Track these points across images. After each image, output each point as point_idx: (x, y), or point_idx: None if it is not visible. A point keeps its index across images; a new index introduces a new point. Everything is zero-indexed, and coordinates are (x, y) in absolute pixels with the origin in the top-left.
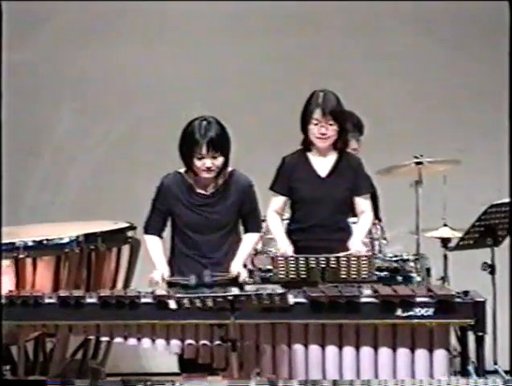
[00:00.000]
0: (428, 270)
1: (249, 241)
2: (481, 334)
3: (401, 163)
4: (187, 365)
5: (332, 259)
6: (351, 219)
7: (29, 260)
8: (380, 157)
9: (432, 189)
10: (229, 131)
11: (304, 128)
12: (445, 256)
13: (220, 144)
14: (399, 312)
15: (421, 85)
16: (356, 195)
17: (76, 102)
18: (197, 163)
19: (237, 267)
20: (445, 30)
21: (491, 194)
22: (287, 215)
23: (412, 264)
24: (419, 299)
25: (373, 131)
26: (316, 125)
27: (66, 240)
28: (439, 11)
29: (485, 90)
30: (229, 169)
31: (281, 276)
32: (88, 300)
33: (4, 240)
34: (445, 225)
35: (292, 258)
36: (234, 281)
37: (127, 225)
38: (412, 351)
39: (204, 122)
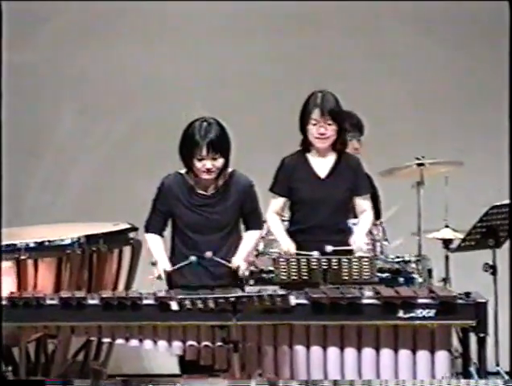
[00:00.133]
0: (430, 271)
1: (250, 238)
2: (482, 335)
3: (402, 165)
4: (188, 367)
5: (334, 260)
6: (352, 221)
7: (30, 262)
8: (380, 157)
9: (434, 190)
10: (228, 131)
11: (303, 128)
12: (447, 258)
13: (221, 145)
14: (401, 313)
15: (421, 85)
16: (356, 196)
17: (76, 102)
18: (197, 164)
19: (237, 261)
20: (445, 30)
21: (493, 195)
22: (287, 216)
23: (414, 265)
24: (420, 300)
25: (373, 131)
26: (315, 125)
27: (68, 242)
28: (439, 11)
29: (486, 90)
30: (230, 169)
31: (282, 277)
32: (90, 301)
33: (5, 242)
34: (447, 226)
35: (294, 259)
36: (233, 278)
37: (129, 226)
38: (414, 352)
39: (205, 123)
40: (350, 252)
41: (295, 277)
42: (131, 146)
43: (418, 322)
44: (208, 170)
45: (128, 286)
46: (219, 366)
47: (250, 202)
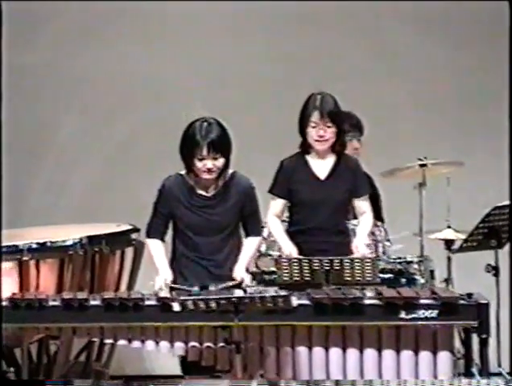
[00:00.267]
0: (432, 272)
1: (250, 245)
2: (484, 336)
3: (404, 165)
4: (190, 367)
5: (336, 261)
6: (352, 222)
7: (33, 263)
8: (380, 157)
9: (436, 191)
10: (229, 132)
11: (302, 131)
12: (449, 258)
13: (221, 145)
14: (403, 314)
15: (421, 85)
16: (355, 197)
17: (77, 103)
18: (198, 164)
19: (240, 272)
20: (445, 30)
21: (494, 195)
22: (285, 216)
23: (416, 266)
24: (422, 301)
25: (373, 131)
26: (314, 127)
27: (70, 243)
28: (439, 11)
29: (486, 90)
30: (230, 171)
31: (285, 278)
32: (92, 302)
33: (8, 243)
34: (449, 227)
35: (296, 260)
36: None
37: (131, 227)
38: (416, 353)
39: (205, 123)
40: None
41: (298, 278)
42: (133, 147)
43: (420, 322)
44: (209, 170)
45: (130, 287)
46: (221, 367)
47: (250, 204)
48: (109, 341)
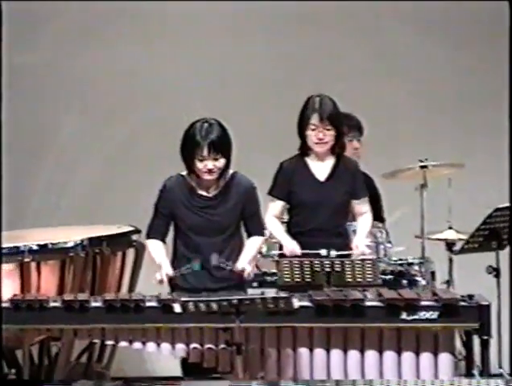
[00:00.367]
0: (433, 274)
1: (253, 244)
2: (485, 337)
3: (405, 167)
4: (191, 369)
5: (337, 263)
6: (354, 224)
7: (34, 264)
8: (380, 158)
9: (437, 192)
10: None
11: (301, 133)
12: (450, 260)
13: (222, 145)
14: (404, 316)
15: (421, 86)
16: (354, 199)
17: (78, 103)
18: (199, 165)
19: (242, 263)
20: (445, 30)
21: (496, 197)
22: (286, 218)
23: (417, 267)
24: (423, 303)
25: (373, 132)
26: (314, 130)
27: (71, 244)
28: (439, 11)
29: (486, 90)
30: (231, 171)
31: (286, 279)
32: (93, 304)
33: (9, 244)
34: (450, 228)
35: (297, 262)
36: (236, 281)
37: (132, 229)
38: (417, 354)
39: (206, 124)
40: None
41: (299, 280)
42: (133, 147)
43: (421, 324)
44: (210, 171)
45: (131, 289)
46: (222, 368)
47: (251, 204)
48: (110, 342)
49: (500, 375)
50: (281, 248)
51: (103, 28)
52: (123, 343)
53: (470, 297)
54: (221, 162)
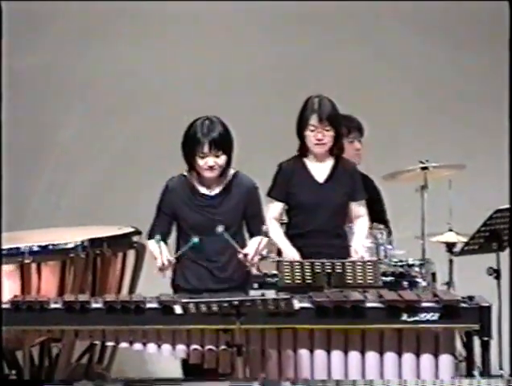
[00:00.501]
0: (434, 275)
1: (257, 240)
2: (486, 339)
3: (406, 168)
4: (192, 370)
5: (338, 264)
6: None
7: (34, 265)
8: (381, 160)
9: (437, 194)
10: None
11: (300, 134)
12: (450, 261)
13: (223, 142)
14: (405, 317)
15: (421, 87)
16: (352, 200)
17: (79, 105)
18: (200, 162)
19: (247, 250)
20: (445, 30)
21: (496, 198)
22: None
23: (417, 269)
24: (424, 304)
25: (374, 133)
26: (313, 131)
27: (71, 245)
28: (439, 11)
29: (486, 91)
30: (233, 171)
31: (286, 281)
32: (94, 305)
33: (9, 245)
34: (450, 230)
35: (298, 263)
36: (238, 281)
37: (132, 230)
38: (418, 355)
39: (207, 121)
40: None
41: (299, 281)
42: (134, 149)
43: (421, 325)
44: (211, 168)
45: (132, 290)
46: (223, 369)
47: (254, 204)
48: (110, 343)
49: (500, 377)
50: (279, 252)
51: (103, 28)
52: (124, 344)
53: (470, 298)
54: (222, 158)
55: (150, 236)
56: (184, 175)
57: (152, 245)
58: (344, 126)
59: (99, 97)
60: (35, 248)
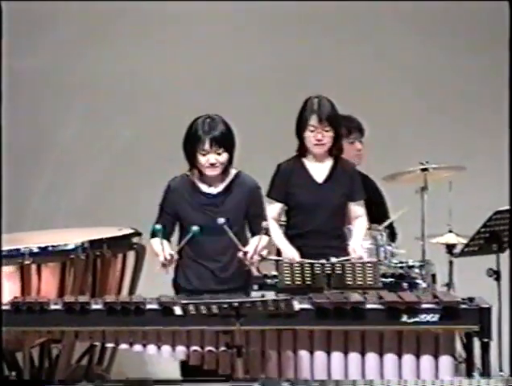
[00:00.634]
0: (434, 276)
1: (258, 239)
2: (486, 340)
3: (406, 170)
4: (192, 371)
5: (338, 265)
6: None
7: (34, 267)
8: (381, 162)
9: (437, 195)
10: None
11: (300, 134)
12: (450, 263)
13: (224, 140)
14: (405, 318)
15: (421, 88)
16: (351, 201)
17: (79, 106)
18: (201, 160)
19: (247, 248)
20: (445, 30)
21: (496, 200)
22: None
23: (417, 270)
24: (424, 305)
25: (374, 135)
26: (313, 131)
27: (71, 247)
28: (439, 11)
29: (486, 92)
30: (236, 170)
31: (286, 282)
32: (94, 306)
33: (9, 246)
34: (450, 231)
35: (298, 264)
36: (241, 282)
37: (132, 231)
38: (418, 357)
39: (209, 119)
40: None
41: (299, 282)
42: (134, 150)
43: (421, 326)
44: (212, 165)
45: (132, 291)
46: (222, 371)
47: (256, 204)
48: (110, 345)
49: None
50: (278, 253)
51: (103, 28)
52: (124, 346)
53: (470, 299)
54: (224, 156)
55: (153, 235)
56: (187, 175)
57: (155, 243)
58: (344, 127)
59: (99, 97)
60: (35, 250)
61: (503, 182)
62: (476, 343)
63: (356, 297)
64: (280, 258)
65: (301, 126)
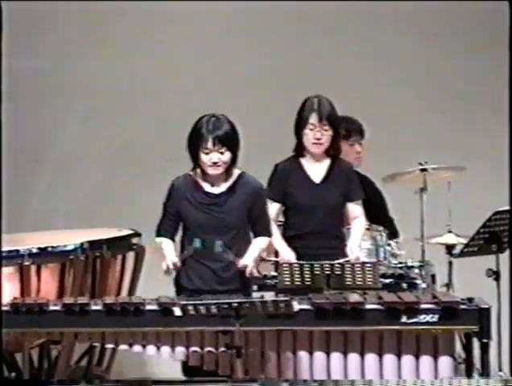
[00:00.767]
0: (433, 277)
1: (259, 243)
2: (485, 340)
3: (405, 170)
4: (192, 372)
5: (337, 266)
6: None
7: (34, 268)
8: (381, 162)
9: (437, 195)
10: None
11: (298, 133)
12: (450, 263)
13: (227, 139)
14: (404, 319)
15: (421, 89)
16: (349, 201)
17: (79, 106)
18: (204, 158)
19: (246, 260)
20: (445, 31)
21: (495, 200)
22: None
23: (417, 270)
24: (423, 306)
25: (374, 136)
26: (312, 130)
27: (71, 247)
28: (439, 12)
29: (486, 93)
30: (239, 171)
31: (286, 282)
32: (93, 307)
33: (9, 247)
34: (450, 232)
35: (297, 265)
36: (241, 283)
37: (132, 232)
38: (417, 357)
39: (213, 118)
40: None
41: (299, 283)
42: (134, 151)
43: (421, 327)
44: (215, 164)
45: (131, 292)
46: (222, 371)
47: (259, 205)
48: (110, 346)
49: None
50: (277, 253)
51: (103, 29)
52: (123, 347)
53: (470, 300)
54: (227, 155)
55: (158, 235)
56: (190, 174)
57: (161, 244)
58: (344, 129)
59: (99, 97)
60: (35, 251)
61: (503, 182)
62: (476, 344)
63: (355, 297)
64: (279, 260)
65: (300, 125)
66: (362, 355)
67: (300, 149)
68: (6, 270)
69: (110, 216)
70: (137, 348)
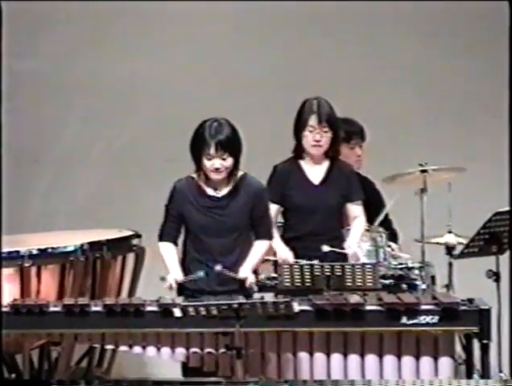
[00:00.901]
0: (433, 278)
1: (259, 248)
2: (485, 341)
3: (405, 171)
4: (192, 373)
5: (337, 267)
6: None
7: (34, 269)
8: (381, 163)
9: (437, 196)
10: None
11: (298, 135)
12: (450, 264)
13: (230, 145)
14: (404, 320)
15: (421, 90)
16: (348, 202)
17: (79, 107)
18: (206, 164)
19: (245, 272)
20: (445, 31)
21: (495, 201)
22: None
23: (417, 271)
24: (423, 307)
25: (374, 137)
26: (311, 132)
27: (71, 249)
28: (439, 12)
29: (486, 93)
30: (241, 172)
31: (286, 283)
32: (93, 308)
33: (9, 249)
34: (450, 232)
35: (297, 266)
36: (241, 286)
37: (132, 233)
38: (417, 358)
39: (215, 123)
40: (345, 255)
41: (299, 284)
42: (135, 152)
43: (421, 328)
44: (217, 170)
45: (131, 293)
46: (222, 372)
47: (260, 206)
48: (110, 347)
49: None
50: (275, 255)
51: (103, 29)
52: (123, 348)
53: (470, 301)
54: (229, 161)
55: (161, 238)
56: (192, 177)
57: (163, 250)
58: (345, 131)
59: (99, 97)
60: (35, 252)
61: (503, 183)
62: (476, 345)
63: (355, 298)
64: (279, 260)
65: (299, 127)
66: (362, 356)
67: (299, 151)
68: (6, 271)
69: (110, 217)
70: (137, 349)
